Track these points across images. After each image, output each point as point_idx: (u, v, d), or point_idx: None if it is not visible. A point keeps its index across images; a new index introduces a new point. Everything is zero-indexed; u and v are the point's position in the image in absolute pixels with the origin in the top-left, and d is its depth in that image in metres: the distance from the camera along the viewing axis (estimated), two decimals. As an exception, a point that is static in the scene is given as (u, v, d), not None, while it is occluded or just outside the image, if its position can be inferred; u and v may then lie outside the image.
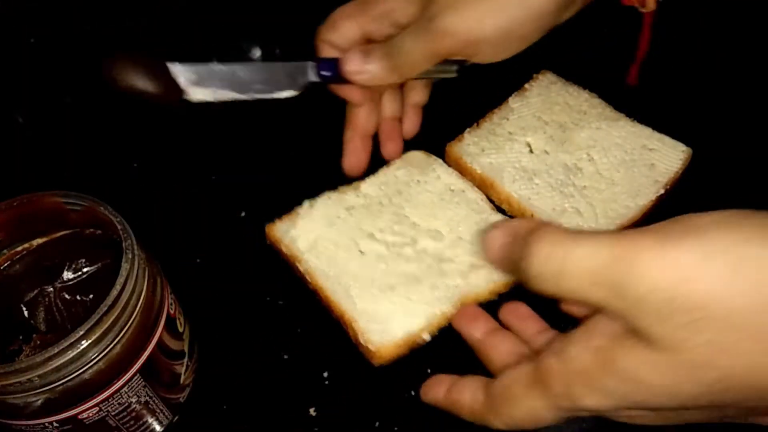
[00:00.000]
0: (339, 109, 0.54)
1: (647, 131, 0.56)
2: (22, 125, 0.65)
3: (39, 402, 0.34)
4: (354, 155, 0.53)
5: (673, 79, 0.63)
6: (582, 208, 0.51)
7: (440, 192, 0.52)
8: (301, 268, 0.47)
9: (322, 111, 0.55)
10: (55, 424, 0.35)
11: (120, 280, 0.34)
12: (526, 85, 0.60)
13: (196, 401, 0.45)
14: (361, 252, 0.48)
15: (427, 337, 0.44)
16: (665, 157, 0.54)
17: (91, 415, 0.36)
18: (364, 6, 0.49)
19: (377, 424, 0.44)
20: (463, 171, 0.56)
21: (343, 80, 0.49)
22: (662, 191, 0.52)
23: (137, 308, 0.36)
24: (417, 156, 0.55)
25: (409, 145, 0.59)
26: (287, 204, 0.51)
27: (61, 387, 0.34)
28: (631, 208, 0.51)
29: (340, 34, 0.50)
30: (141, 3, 0.75)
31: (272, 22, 0.72)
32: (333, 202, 0.51)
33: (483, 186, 0.55)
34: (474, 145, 0.56)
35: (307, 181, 0.53)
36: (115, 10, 0.74)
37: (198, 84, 0.46)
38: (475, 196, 0.52)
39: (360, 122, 0.53)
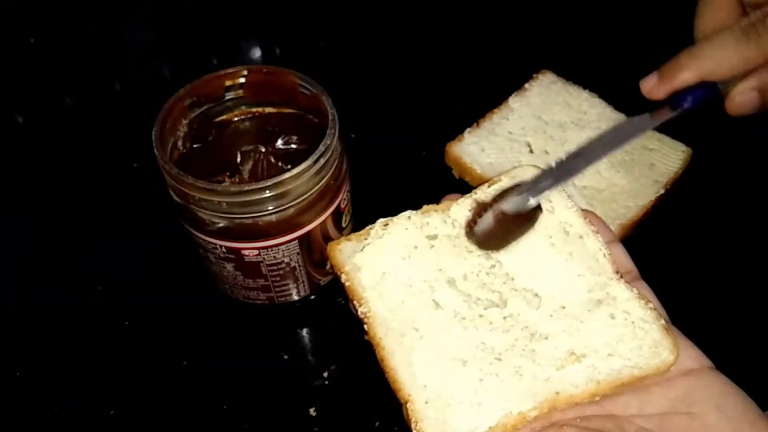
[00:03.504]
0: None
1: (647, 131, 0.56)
2: (22, 125, 0.65)
3: (219, 225, 0.41)
4: (669, 84, 0.40)
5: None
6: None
7: (550, 233, 0.39)
8: (360, 310, 0.38)
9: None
10: (223, 249, 0.42)
11: (313, 157, 0.40)
12: (526, 85, 0.60)
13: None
14: (435, 303, 0.37)
15: None
16: (665, 157, 0.54)
17: (251, 254, 0.43)
18: None
19: (377, 424, 0.44)
20: (463, 171, 0.56)
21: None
22: (662, 191, 0.52)
23: (316, 186, 0.42)
24: (528, 174, 0.41)
25: (409, 143, 0.59)
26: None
27: (238, 221, 0.41)
28: (631, 208, 0.51)
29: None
30: (141, 3, 0.75)
31: (272, 21, 0.72)
32: (413, 226, 0.40)
33: (483, 186, 0.55)
34: (474, 145, 0.56)
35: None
36: (115, 10, 0.74)
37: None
38: (596, 246, 0.38)
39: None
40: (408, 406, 0.34)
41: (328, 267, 0.48)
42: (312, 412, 0.44)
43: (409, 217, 0.40)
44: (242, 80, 0.46)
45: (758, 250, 0.52)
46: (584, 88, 0.60)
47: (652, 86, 0.41)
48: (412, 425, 0.34)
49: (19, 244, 0.54)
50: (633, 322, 0.36)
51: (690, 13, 0.42)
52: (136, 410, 0.45)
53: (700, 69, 0.39)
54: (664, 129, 0.56)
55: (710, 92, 0.40)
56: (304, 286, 0.47)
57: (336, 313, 0.50)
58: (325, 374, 0.46)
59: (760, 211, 0.54)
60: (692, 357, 0.35)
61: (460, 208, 0.41)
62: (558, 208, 0.40)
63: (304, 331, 0.50)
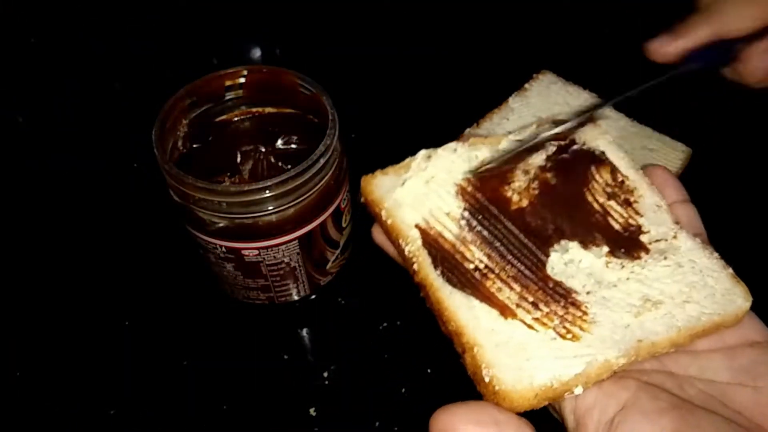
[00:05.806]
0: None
1: (647, 131, 0.56)
2: (22, 125, 0.65)
3: (219, 225, 0.41)
4: (683, 41, 0.39)
5: (673, 79, 0.63)
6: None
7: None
8: (407, 249, 0.33)
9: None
10: (224, 249, 0.42)
11: (313, 157, 0.40)
12: (526, 85, 0.60)
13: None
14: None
15: (579, 390, 0.30)
16: (665, 157, 0.54)
17: (251, 255, 0.43)
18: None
19: (377, 424, 0.44)
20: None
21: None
22: (662, 191, 0.52)
23: (316, 186, 0.42)
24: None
25: (409, 143, 0.59)
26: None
27: (238, 221, 0.41)
28: (631, 208, 0.51)
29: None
30: (141, 3, 0.75)
31: (272, 21, 0.72)
32: (459, 159, 0.36)
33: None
34: (474, 145, 0.56)
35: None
36: (115, 10, 0.74)
37: None
38: (653, 199, 0.36)
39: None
40: (475, 351, 0.30)
41: (328, 266, 0.48)
42: (312, 412, 0.45)
43: (455, 150, 0.37)
44: (242, 80, 0.46)
45: (758, 250, 0.52)
46: (584, 88, 0.60)
47: (663, 45, 0.39)
48: (483, 372, 0.29)
49: (19, 244, 0.54)
50: (701, 271, 0.34)
51: (689, 13, 0.42)
52: (136, 410, 0.45)
53: (716, 25, 0.37)
54: (664, 129, 0.56)
55: (722, 55, 0.38)
56: (304, 286, 0.47)
57: (336, 313, 0.50)
58: (325, 374, 0.46)
59: (760, 211, 0.54)
60: (757, 329, 0.32)
61: (511, 143, 0.38)
62: (614, 158, 0.38)
63: (304, 331, 0.50)
